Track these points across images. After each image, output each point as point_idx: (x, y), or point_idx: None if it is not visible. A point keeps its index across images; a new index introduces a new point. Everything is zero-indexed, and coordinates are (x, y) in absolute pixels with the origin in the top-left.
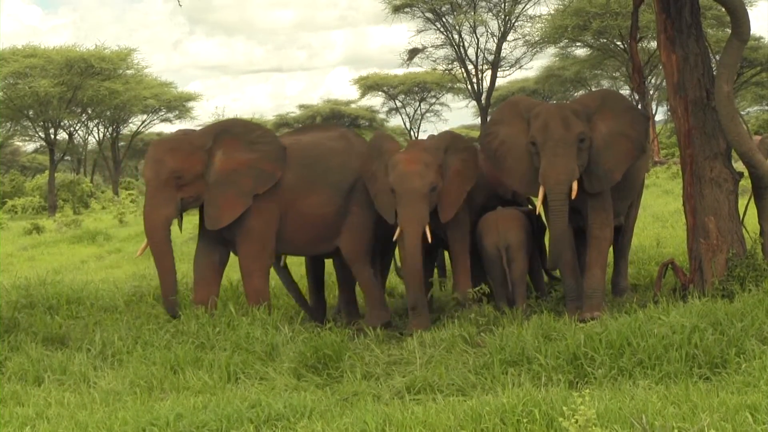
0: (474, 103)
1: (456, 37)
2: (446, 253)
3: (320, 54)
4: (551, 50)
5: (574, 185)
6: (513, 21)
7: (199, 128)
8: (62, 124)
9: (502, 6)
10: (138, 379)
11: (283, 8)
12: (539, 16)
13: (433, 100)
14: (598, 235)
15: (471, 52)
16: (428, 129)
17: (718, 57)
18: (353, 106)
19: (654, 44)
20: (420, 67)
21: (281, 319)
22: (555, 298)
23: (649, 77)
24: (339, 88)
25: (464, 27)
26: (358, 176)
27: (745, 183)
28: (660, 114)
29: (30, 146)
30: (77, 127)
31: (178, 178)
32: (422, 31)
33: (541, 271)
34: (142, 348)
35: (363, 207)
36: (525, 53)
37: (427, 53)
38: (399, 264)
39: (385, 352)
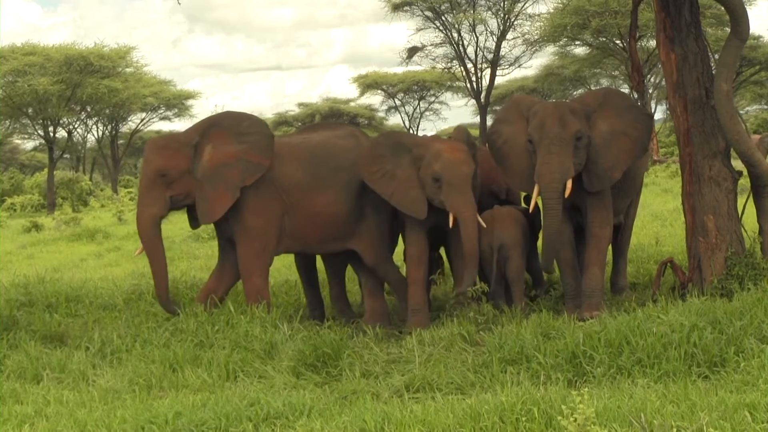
0: (473, 101)
1: (455, 35)
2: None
3: (319, 52)
4: (550, 49)
5: (569, 184)
6: (512, 19)
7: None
8: (61, 122)
9: (502, 4)
10: (137, 377)
11: (283, 6)
12: (538, 15)
13: (433, 99)
14: (598, 233)
15: (470, 50)
16: (427, 128)
17: (717, 56)
18: (352, 104)
19: (653, 43)
20: (419, 66)
21: (280, 317)
22: (554, 297)
23: (649, 76)
24: (338, 86)
25: (464, 25)
26: None
27: (744, 182)
28: (659, 113)
29: (29, 144)
30: (76, 125)
31: (164, 176)
32: (421, 29)
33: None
34: (141, 346)
35: (376, 208)
36: (524, 52)
37: (426, 52)
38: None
39: (384, 350)
